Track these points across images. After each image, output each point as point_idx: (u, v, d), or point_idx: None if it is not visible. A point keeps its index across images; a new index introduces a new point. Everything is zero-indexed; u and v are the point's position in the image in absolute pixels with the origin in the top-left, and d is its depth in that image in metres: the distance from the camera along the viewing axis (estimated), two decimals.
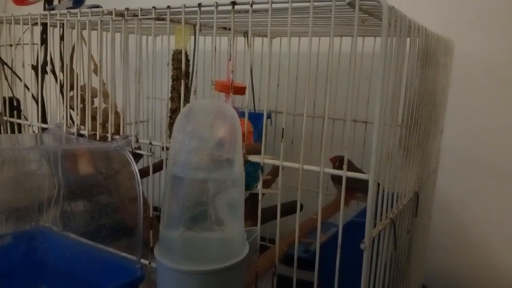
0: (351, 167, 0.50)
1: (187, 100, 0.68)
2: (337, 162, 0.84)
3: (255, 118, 0.87)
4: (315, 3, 0.48)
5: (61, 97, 0.77)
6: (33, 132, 0.81)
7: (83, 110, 0.73)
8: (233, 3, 0.54)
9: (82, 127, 0.72)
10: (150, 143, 0.64)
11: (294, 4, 0.49)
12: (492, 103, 0.93)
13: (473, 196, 0.97)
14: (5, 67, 0.87)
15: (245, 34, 0.94)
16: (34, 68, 0.83)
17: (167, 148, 0.62)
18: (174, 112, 0.74)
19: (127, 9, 0.63)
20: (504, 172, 0.93)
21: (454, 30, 0.86)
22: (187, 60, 0.73)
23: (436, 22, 0.72)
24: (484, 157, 0.95)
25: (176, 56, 0.76)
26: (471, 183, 0.97)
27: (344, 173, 0.48)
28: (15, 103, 0.86)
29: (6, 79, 0.88)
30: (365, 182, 0.47)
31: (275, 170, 0.84)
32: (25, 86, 0.83)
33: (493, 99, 0.93)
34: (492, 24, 0.91)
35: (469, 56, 0.92)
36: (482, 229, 0.98)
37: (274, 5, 0.51)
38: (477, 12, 0.92)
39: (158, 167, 0.78)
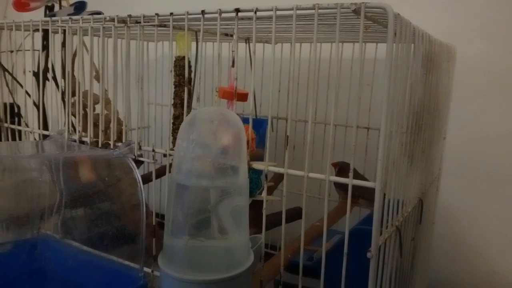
0: (355, 174, 0.49)
1: (189, 106, 0.67)
2: (337, 167, 0.84)
3: (257, 124, 0.86)
4: (319, 11, 0.48)
5: (62, 103, 0.76)
6: (34, 139, 0.80)
7: (84, 116, 0.72)
8: (237, 10, 0.53)
9: (84, 134, 0.72)
10: (153, 150, 0.64)
11: (299, 12, 0.49)
12: (495, 109, 0.93)
13: (475, 202, 0.97)
14: (6, 73, 0.87)
15: (247, 40, 0.94)
16: (35, 74, 0.83)
17: (170, 155, 0.61)
18: (177, 119, 0.73)
19: (129, 15, 0.63)
20: (506, 178, 0.93)
21: (456, 36, 0.86)
22: (189, 66, 0.73)
23: (438, 29, 0.72)
24: (486, 163, 0.95)
25: (178, 63, 0.75)
26: (473, 189, 0.96)
27: (350, 181, 0.48)
28: (15, 110, 0.86)
29: (7, 85, 0.87)
30: (368, 189, 0.47)
31: (277, 177, 0.83)
32: (26, 92, 0.83)
33: (496, 105, 0.93)
34: (494, 30, 0.91)
35: (471, 62, 0.92)
36: (485, 235, 0.97)
37: (278, 13, 0.51)
38: (479, 18, 0.92)
39: (159, 173, 0.77)
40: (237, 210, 0.49)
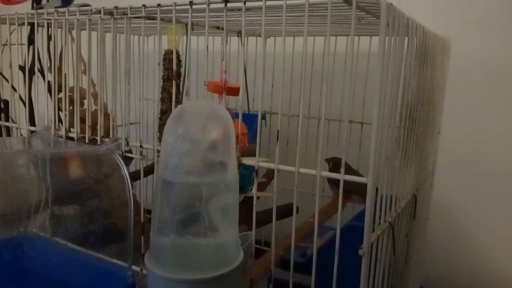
0: (348, 169, 0.48)
1: (178, 101, 0.66)
2: (331, 163, 0.83)
3: (250, 119, 0.85)
4: (310, 0, 0.46)
5: (49, 96, 0.75)
6: (21, 135, 0.79)
7: (72, 112, 0.71)
8: (226, 1, 0.52)
9: (71, 129, 0.70)
10: (141, 146, 0.62)
11: (289, 2, 0.48)
12: (489, 103, 0.92)
13: (470, 197, 0.96)
14: None
15: (239, 33, 0.92)
16: (22, 69, 0.81)
17: (158, 151, 0.60)
18: (164, 114, 0.72)
19: (116, 7, 0.61)
20: (500, 172, 0.92)
21: (451, 30, 0.85)
22: (179, 60, 0.71)
23: (432, 21, 0.70)
24: (481, 158, 0.94)
25: (168, 56, 0.74)
26: (468, 184, 0.96)
27: (342, 176, 0.47)
28: (2, 105, 0.84)
29: None
30: (362, 185, 0.46)
31: (270, 173, 0.82)
32: (13, 87, 0.81)
33: (490, 100, 0.92)
34: (489, 24, 0.90)
35: (466, 56, 0.91)
36: (479, 230, 0.97)
37: (268, 3, 0.49)
38: (474, 11, 0.91)
39: (149, 170, 0.76)
40: (226, 206, 0.48)
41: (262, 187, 0.83)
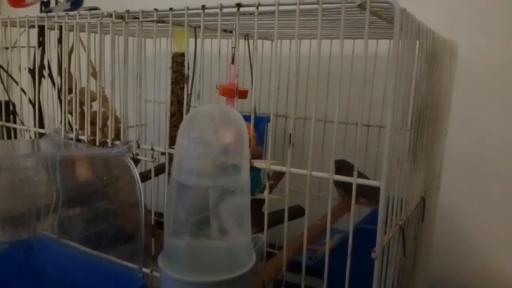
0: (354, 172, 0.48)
1: (184, 104, 0.66)
2: (336, 165, 0.83)
3: (255, 122, 0.85)
4: (323, 5, 0.47)
5: (58, 101, 0.75)
6: (30, 137, 0.79)
7: (81, 114, 0.71)
8: (238, 5, 0.52)
9: (81, 132, 0.70)
10: (152, 149, 0.62)
11: (302, 6, 0.48)
12: (495, 105, 0.92)
13: (476, 199, 0.96)
14: (1, 70, 0.85)
15: (246, 36, 0.92)
16: (31, 71, 0.81)
17: (169, 154, 0.60)
18: (172, 116, 0.72)
19: (127, 11, 0.62)
20: (506, 175, 0.92)
21: (456, 32, 0.86)
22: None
23: (438, 24, 0.71)
24: (487, 160, 0.94)
25: (175, 59, 0.74)
26: (474, 187, 0.96)
27: (355, 180, 0.47)
28: (11, 108, 0.84)
29: (2, 82, 0.86)
30: (369, 187, 0.46)
31: (277, 175, 0.82)
32: (22, 90, 0.81)
33: (497, 102, 0.92)
34: (495, 26, 0.90)
35: (471, 58, 0.91)
36: (485, 233, 0.97)
37: (280, 7, 0.50)
38: (479, 13, 0.92)
39: (157, 170, 0.76)
40: (239, 209, 0.48)
41: (269, 189, 0.83)
